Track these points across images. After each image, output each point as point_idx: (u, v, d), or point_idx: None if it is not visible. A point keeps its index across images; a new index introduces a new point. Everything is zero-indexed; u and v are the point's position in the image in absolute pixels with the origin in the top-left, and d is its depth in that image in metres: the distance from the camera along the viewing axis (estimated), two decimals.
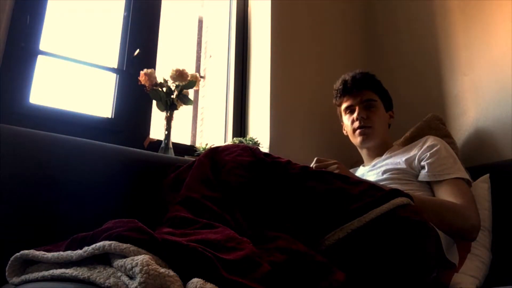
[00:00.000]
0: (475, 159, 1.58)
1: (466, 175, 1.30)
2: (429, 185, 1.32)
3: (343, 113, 1.57)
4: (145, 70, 1.51)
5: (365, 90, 1.50)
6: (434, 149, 1.33)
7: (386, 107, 1.55)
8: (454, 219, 1.18)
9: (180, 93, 1.54)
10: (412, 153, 1.37)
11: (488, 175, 1.39)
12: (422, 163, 1.32)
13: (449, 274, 1.17)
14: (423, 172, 1.32)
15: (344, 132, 1.61)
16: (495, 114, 1.60)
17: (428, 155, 1.32)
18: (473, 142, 1.65)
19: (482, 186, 1.37)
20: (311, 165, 1.26)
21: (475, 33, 1.72)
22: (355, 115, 1.49)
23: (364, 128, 1.47)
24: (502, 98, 1.59)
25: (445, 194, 1.25)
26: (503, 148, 1.54)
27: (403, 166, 1.35)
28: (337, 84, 1.57)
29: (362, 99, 1.50)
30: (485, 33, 1.69)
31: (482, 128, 1.63)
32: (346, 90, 1.52)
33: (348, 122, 1.53)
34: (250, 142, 1.67)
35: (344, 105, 1.55)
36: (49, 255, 0.72)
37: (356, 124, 1.48)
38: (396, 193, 0.98)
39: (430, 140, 1.37)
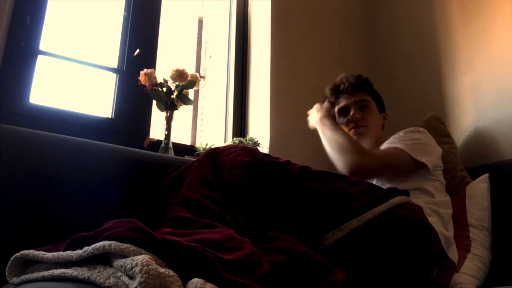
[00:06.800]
0: (474, 159, 1.58)
1: (415, 154, 1.29)
2: (419, 178, 1.32)
3: (337, 115, 1.57)
4: (145, 70, 1.51)
5: (358, 92, 1.52)
6: (400, 132, 1.38)
7: (379, 109, 1.56)
8: (344, 154, 1.25)
9: (180, 93, 1.54)
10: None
11: (487, 175, 1.39)
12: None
13: (449, 274, 1.17)
14: None
15: None
16: (494, 114, 1.60)
17: (396, 135, 1.37)
18: (473, 142, 1.65)
19: (482, 186, 1.37)
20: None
21: (475, 33, 1.72)
22: (349, 116, 1.50)
23: (359, 127, 1.48)
24: (502, 98, 1.59)
25: None
26: (503, 148, 1.54)
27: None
28: (329, 89, 1.58)
29: (356, 99, 1.51)
30: (485, 33, 1.69)
31: (482, 128, 1.63)
32: (340, 92, 1.54)
33: (343, 122, 1.54)
34: (250, 142, 1.67)
35: (338, 107, 1.55)
36: (49, 255, 0.72)
37: (352, 124, 1.49)
38: (395, 192, 0.98)
39: (409, 130, 1.40)
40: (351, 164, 1.23)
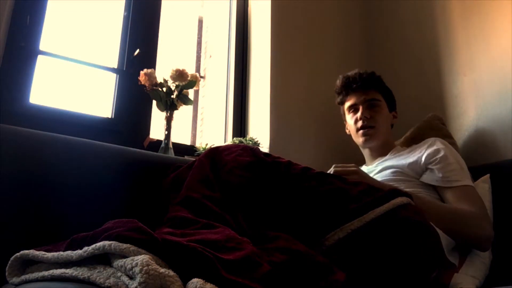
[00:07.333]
0: (475, 159, 1.58)
1: (472, 184, 1.29)
2: (434, 187, 1.31)
3: (346, 112, 1.56)
4: (145, 70, 1.51)
5: (370, 90, 1.50)
6: (441, 154, 1.31)
7: (390, 107, 1.54)
8: (469, 228, 1.18)
9: (180, 93, 1.54)
10: (416, 156, 1.35)
11: (488, 175, 1.39)
12: (430, 167, 1.30)
13: (449, 274, 1.17)
14: (432, 176, 1.30)
15: (347, 131, 1.60)
16: (495, 114, 1.60)
17: (438, 159, 1.30)
18: (473, 142, 1.65)
19: (483, 186, 1.37)
20: (330, 171, 1.22)
21: (475, 33, 1.72)
22: (358, 114, 1.48)
23: (367, 128, 1.47)
24: (502, 98, 1.59)
25: (458, 201, 1.23)
26: (503, 148, 1.54)
27: (406, 168, 1.34)
28: (340, 82, 1.56)
29: (366, 98, 1.49)
30: (485, 33, 1.69)
31: (482, 128, 1.63)
32: (351, 89, 1.52)
33: (351, 121, 1.52)
34: (250, 142, 1.67)
35: (347, 104, 1.54)
36: (49, 255, 0.72)
37: (359, 123, 1.48)
38: (396, 193, 0.98)
39: (437, 144, 1.35)
40: (487, 236, 1.19)
